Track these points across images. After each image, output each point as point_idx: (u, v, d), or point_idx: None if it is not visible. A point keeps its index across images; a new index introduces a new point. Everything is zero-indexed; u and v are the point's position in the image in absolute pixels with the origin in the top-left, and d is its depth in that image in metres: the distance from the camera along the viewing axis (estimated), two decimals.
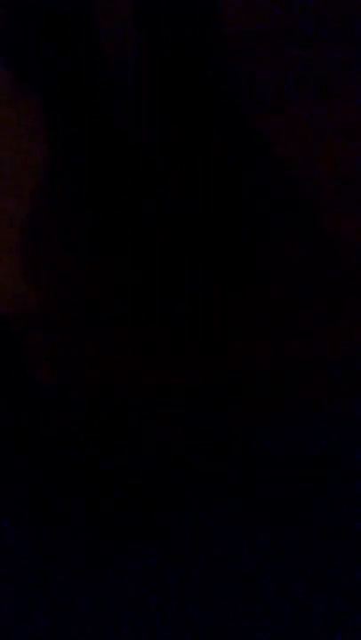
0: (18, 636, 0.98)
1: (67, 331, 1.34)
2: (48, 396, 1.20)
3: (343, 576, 0.99)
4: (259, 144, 1.50)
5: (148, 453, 1.12)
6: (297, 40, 1.61)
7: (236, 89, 1.54)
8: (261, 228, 1.42)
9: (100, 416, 1.16)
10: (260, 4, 1.63)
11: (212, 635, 0.97)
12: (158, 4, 1.28)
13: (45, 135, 1.46)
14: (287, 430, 1.11)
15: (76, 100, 1.37)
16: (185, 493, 1.07)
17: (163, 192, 1.44)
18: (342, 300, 1.33)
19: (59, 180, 1.48)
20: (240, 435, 1.12)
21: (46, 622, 0.98)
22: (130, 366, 1.29)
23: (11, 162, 1.52)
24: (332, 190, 1.46)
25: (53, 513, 1.06)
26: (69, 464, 1.10)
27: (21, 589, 1.01)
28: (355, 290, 1.34)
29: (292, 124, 1.53)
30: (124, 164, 1.45)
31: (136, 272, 1.39)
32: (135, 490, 1.09)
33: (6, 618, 0.99)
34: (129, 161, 1.45)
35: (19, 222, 1.46)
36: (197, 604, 0.98)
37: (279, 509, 1.04)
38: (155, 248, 1.40)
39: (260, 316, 1.32)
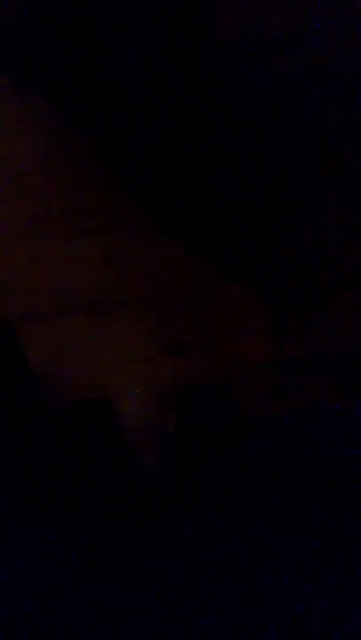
0: (18, 636, 0.97)
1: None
2: (43, 393, 1.20)
3: (343, 576, 0.99)
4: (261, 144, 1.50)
5: (147, 453, 1.11)
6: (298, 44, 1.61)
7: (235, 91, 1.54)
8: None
9: (96, 412, 1.16)
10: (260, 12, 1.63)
11: (212, 635, 0.97)
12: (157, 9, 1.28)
13: (49, 135, 1.46)
14: (287, 429, 1.11)
15: (79, 101, 1.37)
16: (185, 493, 1.07)
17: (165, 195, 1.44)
18: (342, 298, 1.33)
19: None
20: (240, 433, 1.12)
21: (46, 622, 0.98)
22: (125, 363, 1.28)
23: (14, 162, 1.52)
24: (331, 187, 1.46)
25: (52, 513, 1.06)
26: (67, 462, 1.10)
27: (21, 589, 1.01)
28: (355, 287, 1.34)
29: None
30: (128, 160, 1.45)
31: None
32: (134, 490, 1.09)
33: (6, 617, 0.99)
34: (133, 159, 1.45)
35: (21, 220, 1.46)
36: (197, 604, 0.98)
37: (279, 509, 1.04)
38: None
39: (261, 313, 1.32)
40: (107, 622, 0.99)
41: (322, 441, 1.10)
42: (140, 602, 0.99)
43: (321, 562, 1.00)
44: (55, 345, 1.32)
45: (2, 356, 1.15)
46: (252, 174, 1.46)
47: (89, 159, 1.45)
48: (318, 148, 1.50)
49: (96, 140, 1.42)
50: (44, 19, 1.26)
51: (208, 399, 1.18)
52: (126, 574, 1.02)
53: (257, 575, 1.00)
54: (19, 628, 0.98)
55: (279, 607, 0.97)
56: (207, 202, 1.40)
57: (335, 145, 1.49)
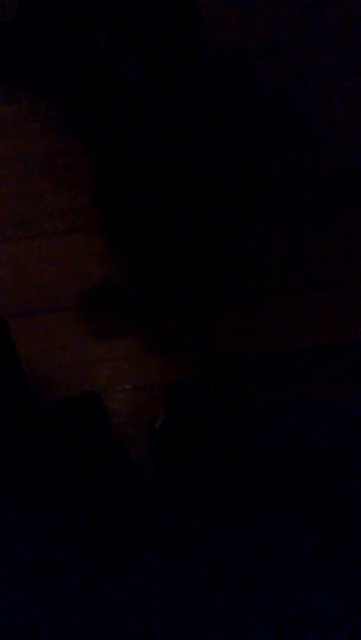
0: (18, 635, 0.97)
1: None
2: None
3: (343, 576, 0.99)
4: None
5: (144, 447, 1.12)
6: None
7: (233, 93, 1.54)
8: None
9: (92, 409, 1.16)
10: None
11: (212, 635, 0.96)
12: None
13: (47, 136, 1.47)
14: (287, 428, 1.11)
15: (79, 101, 1.37)
16: (185, 493, 1.07)
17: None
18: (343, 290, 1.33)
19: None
20: (239, 427, 1.11)
21: (46, 621, 0.98)
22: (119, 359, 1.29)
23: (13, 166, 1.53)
24: (332, 186, 1.46)
25: (52, 513, 1.06)
26: (67, 462, 1.10)
27: (21, 589, 1.01)
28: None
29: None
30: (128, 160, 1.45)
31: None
32: (134, 490, 1.09)
33: (6, 617, 0.98)
34: (132, 160, 1.46)
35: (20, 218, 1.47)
36: (197, 604, 0.98)
37: (279, 509, 1.04)
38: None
39: (262, 302, 1.32)
40: (107, 622, 0.98)
41: (322, 440, 1.09)
42: (140, 602, 0.99)
43: (321, 561, 1.00)
44: (47, 341, 1.32)
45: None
46: (252, 174, 1.46)
47: (88, 159, 1.45)
48: (318, 148, 1.50)
49: (96, 139, 1.43)
50: (45, 19, 1.26)
51: (202, 396, 1.18)
52: (126, 574, 1.01)
53: (257, 575, 1.00)
54: (19, 627, 0.98)
55: (279, 607, 0.97)
56: (207, 201, 1.40)
57: (335, 145, 1.49)
